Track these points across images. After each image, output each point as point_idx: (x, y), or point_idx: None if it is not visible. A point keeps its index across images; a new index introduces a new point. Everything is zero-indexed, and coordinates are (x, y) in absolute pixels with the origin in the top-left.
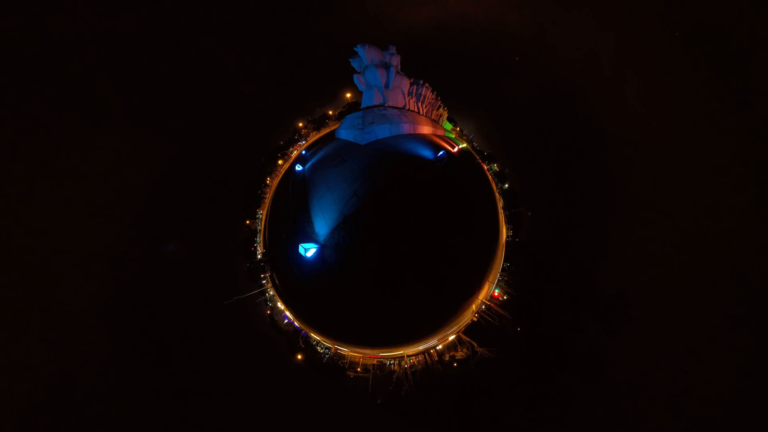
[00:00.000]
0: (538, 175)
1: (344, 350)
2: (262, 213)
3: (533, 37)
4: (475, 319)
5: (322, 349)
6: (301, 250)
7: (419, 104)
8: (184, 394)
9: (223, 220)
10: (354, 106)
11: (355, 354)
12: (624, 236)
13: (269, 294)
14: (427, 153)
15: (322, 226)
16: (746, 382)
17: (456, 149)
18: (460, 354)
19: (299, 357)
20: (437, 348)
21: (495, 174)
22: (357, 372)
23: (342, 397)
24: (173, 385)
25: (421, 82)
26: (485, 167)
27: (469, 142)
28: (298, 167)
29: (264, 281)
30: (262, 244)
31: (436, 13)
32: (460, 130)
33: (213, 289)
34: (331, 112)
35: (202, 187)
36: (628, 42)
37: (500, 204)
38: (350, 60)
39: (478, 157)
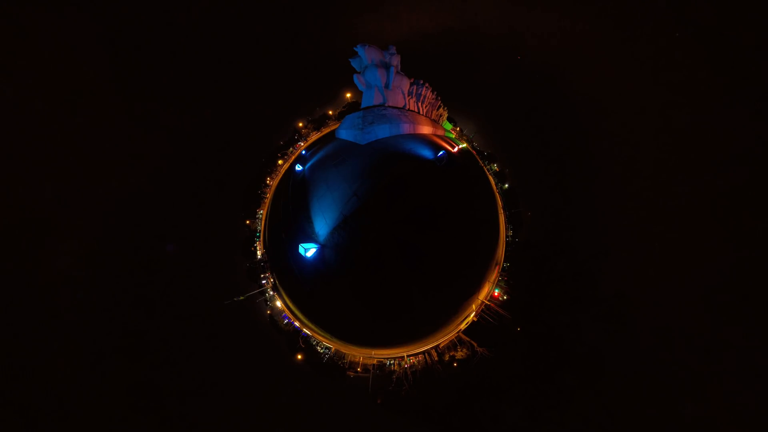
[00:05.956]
0: (538, 175)
1: (344, 350)
2: (262, 213)
3: (534, 37)
4: (475, 319)
5: (322, 349)
6: (301, 249)
7: (419, 104)
8: (184, 394)
9: (224, 220)
10: (354, 106)
11: (355, 354)
12: (624, 236)
13: (269, 294)
14: (427, 153)
15: (322, 226)
16: (746, 381)
17: (456, 149)
18: (460, 354)
19: (299, 357)
20: (437, 348)
21: (495, 174)
22: (357, 372)
23: (342, 397)
24: (173, 385)
25: (421, 82)
26: (485, 167)
27: (469, 142)
28: (298, 167)
29: (264, 281)
30: (262, 244)
31: (438, 13)
32: (460, 130)
33: (213, 289)
34: (331, 112)
35: (202, 187)
36: (630, 44)
37: (500, 204)
38: (350, 60)
39: (478, 158)
